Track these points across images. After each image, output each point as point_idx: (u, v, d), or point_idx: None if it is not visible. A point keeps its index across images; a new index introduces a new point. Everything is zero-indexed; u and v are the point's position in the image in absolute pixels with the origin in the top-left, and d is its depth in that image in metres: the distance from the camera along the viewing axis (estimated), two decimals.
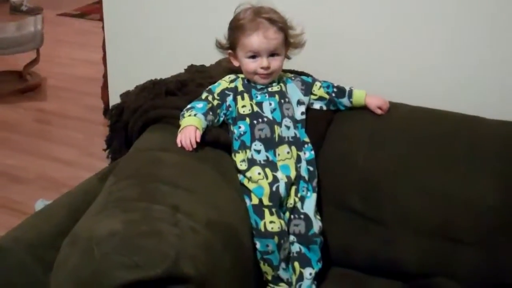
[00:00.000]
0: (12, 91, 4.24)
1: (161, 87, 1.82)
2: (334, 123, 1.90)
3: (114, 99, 2.06)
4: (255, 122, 1.74)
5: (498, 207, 1.68)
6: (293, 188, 1.71)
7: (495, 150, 1.74)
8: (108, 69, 2.72)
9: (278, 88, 1.81)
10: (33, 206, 2.75)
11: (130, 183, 1.46)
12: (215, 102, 1.76)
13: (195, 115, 1.68)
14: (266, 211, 1.64)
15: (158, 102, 1.78)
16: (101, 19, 2.86)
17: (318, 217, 1.73)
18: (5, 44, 4.19)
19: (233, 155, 1.75)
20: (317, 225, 1.70)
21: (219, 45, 1.85)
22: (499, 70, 1.99)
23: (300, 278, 1.68)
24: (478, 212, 1.69)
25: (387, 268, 1.77)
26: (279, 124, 1.75)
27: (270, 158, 1.71)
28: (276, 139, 1.73)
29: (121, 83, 2.04)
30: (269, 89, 1.80)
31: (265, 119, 1.74)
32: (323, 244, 1.72)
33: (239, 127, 1.75)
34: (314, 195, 1.74)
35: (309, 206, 1.72)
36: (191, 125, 1.65)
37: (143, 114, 1.77)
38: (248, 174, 1.69)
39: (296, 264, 1.68)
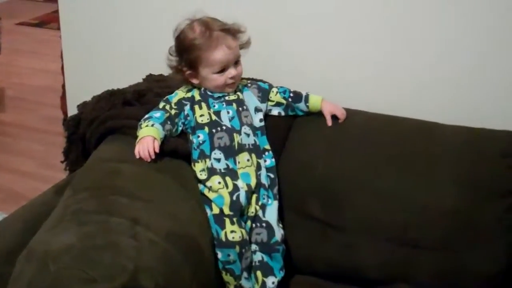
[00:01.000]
0: None
1: (118, 98, 1.81)
2: (293, 130, 1.90)
3: (72, 110, 2.04)
4: (213, 131, 1.73)
5: (455, 211, 1.70)
6: (254, 196, 1.71)
7: (451, 155, 1.76)
8: (66, 79, 2.68)
9: (235, 96, 1.80)
10: None
11: (87, 196, 1.44)
12: (173, 112, 1.74)
13: (152, 125, 1.66)
14: (227, 221, 1.63)
15: (115, 113, 1.77)
16: (59, 28, 2.82)
17: (280, 225, 1.73)
18: None
19: (192, 164, 1.73)
20: (279, 233, 1.70)
21: (177, 70, 1.78)
22: (455, 75, 2.02)
23: (263, 287, 1.68)
24: (435, 216, 1.71)
25: (349, 274, 1.77)
26: (238, 132, 1.73)
27: (231, 166, 1.70)
28: (236, 147, 1.72)
29: (80, 93, 2.01)
30: (226, 97, 1.78)
31: (224, 127, 1.73)
32: (285, 251, 1.72)
33: (198, 136, 1.73)
34: (276, 203, 1.74)
35: (271, 214, 1.72)
36: (149, 136, 1.63)
37: (100, 124, 1.75)
38: (208, 183, 1.68)
39: (259, 273, 1.68)
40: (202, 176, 1.70)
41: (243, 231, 1.64)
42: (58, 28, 2.64)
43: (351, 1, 2.05)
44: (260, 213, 1.70)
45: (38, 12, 6.33)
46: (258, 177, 1.72)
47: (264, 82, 1.95)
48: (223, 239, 1.61)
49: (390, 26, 2.03)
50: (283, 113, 1.91)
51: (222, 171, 1.70)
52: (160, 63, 2.00)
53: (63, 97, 3.28)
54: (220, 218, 1.64)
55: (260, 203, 1.71)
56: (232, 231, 1.62)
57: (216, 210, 1.65)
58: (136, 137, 1.66)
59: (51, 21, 5.90)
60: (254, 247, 1.69)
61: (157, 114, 1.71)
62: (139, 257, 1.25)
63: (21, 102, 4.25)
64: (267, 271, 1.68)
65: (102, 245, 1.24)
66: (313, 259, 1.79)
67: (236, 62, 1.76)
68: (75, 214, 1.36)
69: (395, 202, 1.74)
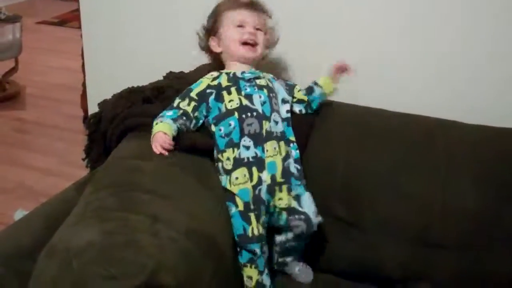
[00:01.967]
0: None
1: (138, 95, 1.81)
2: (315, 129, 1.90)
3: (93, 107, 2.04)
4: (243, 116, 1.70)
5: (476, 211, 1.69)
6: (284, 187, 1.69)
7: (471, 154, 1.76)
8: (87, 77, 2.69)
9: (265, 82, 1.79)
10: (12, 216, 2.72)
11: (108, 193, 1.44)
12: (191, 105, 1.72)
13: (161, 122, 1.67)
14: (252, 216, 1.63)
15: (135, 110, 1.77)
16: (80, 27, 2.84)
17: (319, 216, 1.72)
18: None
19: (219, 155, 1.71)
20: (316, 223, 1.70)
21: (203, 30, 1.89)
22: (472, 73, 2.00)
23: (283, 263, 1.77)
24: (456, 216, 1.70)
25: (369, 274, 1.77)
26: (268, 119, 1.71)
27: (259, 154, 1.67)
28: (264, 134, 1.69)
29: (100, 91, 2.02)
30: (257, 81, 1.77)
31: (255, 113, 1.70)
32: (306, 250, 1.76)
33: (229, 124, 1.70)
34: (308, 194, 1.72)
35: (307, 204, 1.70)
36: (159, 132, 1.63)
37: (120, 122, 1.75)
38: (234, 174, 1.66)
39: (280, 252, 1.75)
40: (227, 166, 1.68)
41: (261, 227, 1.64)
42: (79, 27, 2.66)
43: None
44: (295, 204, 1.69)
45: (59, 11, 6.39)
46: (286, 166, 1.70)
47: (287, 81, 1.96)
48: (250, 234, 1.61)
49: (410, 23, 2.01)
50: (303, 111, 1.91)
51: (250, 160, 1.67)
52: (180, 61, 2.02)
53: (84, 95, 3.31)
54: (245, 214, 1.63)
55: (293, 193, 1.70)
56: (257, 227, 1.63)
57: (241, 206, 1.64)
58: None
59: (71, 19, 5.96)
60: (290, 235, 1.70)
61: (169, 112, 1.71)
62: (159, 254, 1.25)
63: (41, 100, 4.29)
64: (289, 252, 1.75)
65: (123, 242, 1.24)
66: (335, 258, 1.79)
67: (258, 29, 1.82)
68: (96, 211, 1.36)
69: (416, 202, 1.73)
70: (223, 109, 1.72)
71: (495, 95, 1.99)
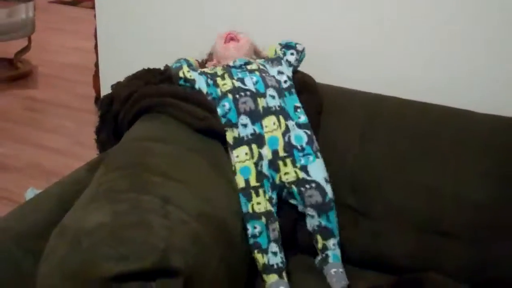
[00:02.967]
0: (3, 79, 4.22)
1: (154, 75, 1.81)
2: (323, 117, 1.89)
3: (106, 88, 2.05)
4: (237, 96, 1.76)
5: (486, 202, 1.68)
6: (288, 160, 1.70)
7: (482, 145, 1.75)
8: (100, 57, 2.69)
9: (256, 66, 1.85)
10: (23, 195, 2.74)
11: (120, 174, 1.44)
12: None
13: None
14: (253, 193, 1.65)
15: (149, 90, 1.77)
16: (93, 7, 2.84)
17: (329, 181, 1.72)
18: None
19: (226, 136, 1.77)
20: (330, 189, 1.70)
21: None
22: (488, 64, 1.99)
23: (324, 249, 1.69)
24: (466, 206, 1.70)
25: (377, 261, 1.77)
26: (263, 95, 1.76)
27: (257, 131, 1.71)
28: (261, 111, 1.74)
29: (113, 72, 2.02)
30: (248, 66, 1.85)
31: (248, 92, 1.76)
32: None
33: (224, 106, 1.77)
34: (319, 160, 1.73)
35: (317, 172, 1.71)
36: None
37: (134, 103, 1.75)
38: (234, 152, 1.71)
39: (319, 237, 1.70)
40: (230, 141, 1.74)
41: (267, 203, 1.65)
42: (92, 7, 2.67)
43: None
44: (303, 175, 1.70)
45: None
46: (286, 139, 1.72)
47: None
48: (251, 211, 1.63)
49: (420, 13, 2.01)
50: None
51: (249, 137, 1.71)
52: (194, 43, 2.01)
53: (96, 76, 3.32)
54: (247, 192, 1.66)
55: (298, 165, 1.71)
56: (258, 203, 1.64)
57: (241, 184, 1.67)
58: (171, 115, 1.72)
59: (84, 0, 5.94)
60: (310, 211, 1.69)
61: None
62: (170, 236, 1.25)
63: (53, 79, 4.30)
64: (327, 234, 1.69)
65: (134, 223, 1.24)
66: (344, 246, 1.78)
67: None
68: (108, 192, 1.36)
69: (426, 192, 1.73)
70: (219, 93, 1.79)
71: (507, 85, 1.97)
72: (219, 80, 1.81)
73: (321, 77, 1.95)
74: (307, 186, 1.69)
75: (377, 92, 1.93)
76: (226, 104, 1.76)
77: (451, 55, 2.02)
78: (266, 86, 1.78)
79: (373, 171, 1.78)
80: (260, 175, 1.67)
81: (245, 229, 1.64)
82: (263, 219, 1.63)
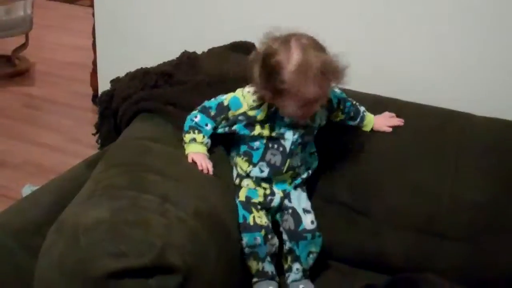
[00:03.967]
0: (0, 76, 4.21)
1: (151, 77, 1.81)
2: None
3: (104, 86, 2.05)
4: (270, 145, 1.65)
5: (483, 203, 1.69)
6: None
7: (482, 147, 1.75)
8: (98, 55, 2.69)
9: (304, 122, 1.65)
10: (20, 191, 2.74)
11: (119, 171, 1.45)
12: (222, 123, 1.65)
13: (206, 143, 1.64)
14: (253, 208, 1.65)
15: (146, 94, 1.77)
16: (91, 5, 2.84)
17: (310, 213, 1.71)
18: None
19: (237, 156, 1.71)
20: (307, 220, 1.68)
21: (260, 85, 1.55)
22: (489, 66, 1.99)
23: (289, 270, 1.70)
24: (462, 207, 1.70)
25: (374, 261, 1.78)
26: (293, 155, 1.67)
27: (269, 178, 1.70)
28: (285, 170, 1.68)
29: (111, 70, 2.02)
30: (295, 122, 1.64)
31: (281, 149, 1.65)
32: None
33: (253, 144, 1.66)
34: (299, 191, 1.74)
35: (296, 200, 1.72)
36: (199, 154, 1.62)
37: (133, 105, 1.76)
38: (245, 181, 1.70)
39: (288, 257, 1.70)
40: (241, 171, 1.70)
41: (267, 220, 1.66)
42: (90, 5, 2.67)
43: None
44: (286, 201, 1.71)
45: None
46: (292, 182, 1.73)
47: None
48: (251, 223, 1.62)
49: (421, 14, 2.01)
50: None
51: (260, 179, 1.69)
52: (193, 40, 2.01)
53: (94, 73, 3.32)
54: (247, 206, 1.66)
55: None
56: (259, 216, 1.64)
57: (242, 197, 1.67)
58: (168, 118, 1.70)
59: None
60: (284, 236, 1.70)
61: (208, 126, 1.64)
62: (167, 234, 1.26)
63: (50, 76, 4.29)
64: (294, 258, 1.69)
65: (132, 220, 1.25)
66: (340, 245, 1.79)
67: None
68: (107, 189, 1.37)
69: (423, 192, 1.73)
70: (250, 134, 1.65)
71: (507, 87, 1.98)
72: (257, 126, 1.63)
73: None
74: (285, 211, 1.71)
75: (375, 93, 1.93)
76: (257, 143, 1.65)
77: (449, 56, 2.03)
78: (302, 147, 1.68)
79: (371, 171, 1.78)
80: (265, 204, 1.68)
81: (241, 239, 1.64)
82: (263, 232, 1.63)
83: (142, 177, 1.43)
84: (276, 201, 1.69)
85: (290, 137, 1.63)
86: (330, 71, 1.50)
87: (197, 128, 1.63)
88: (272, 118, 1.62)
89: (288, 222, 1.68)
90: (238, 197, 1.68)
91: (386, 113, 1.83)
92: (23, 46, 4.33)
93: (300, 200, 1.72)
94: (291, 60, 1.48)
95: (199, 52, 2.01)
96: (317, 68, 1.47)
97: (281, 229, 1.70)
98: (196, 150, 1.62)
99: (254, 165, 1.67)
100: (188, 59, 1.95)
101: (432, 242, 1.72)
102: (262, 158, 1.66)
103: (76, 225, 1.23)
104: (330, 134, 1.82)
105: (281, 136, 1.63)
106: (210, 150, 1.67)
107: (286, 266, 1.70)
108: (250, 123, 1.63)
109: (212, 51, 2.03)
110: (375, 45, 2.10)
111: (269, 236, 1.64)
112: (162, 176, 1.46)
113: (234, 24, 2.03)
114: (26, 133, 3.50)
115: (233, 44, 2.07)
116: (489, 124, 1.81)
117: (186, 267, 1.25)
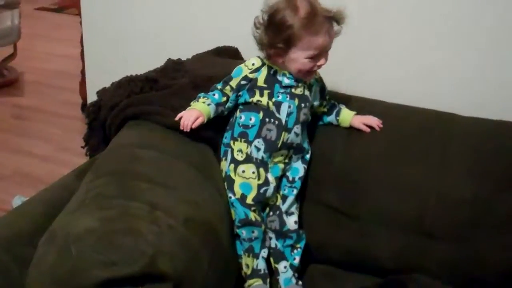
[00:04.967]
0: None
1: (136, 84, 1.81)
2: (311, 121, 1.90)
3: (92, 95, 2.05)
4: (266, 119, 1.69)
5: (470, 202, 1.70)
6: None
7: (467, 146, 1.76)
8: (86, 64, 2.69)
9: (301, 91, 1.71)
10: (10, 202, 2.73)
11: (108, 180, 1.45)
12: (230, 94, 1.71)
13: (208, 104, 1.69)
14: (252, 208, 1.67)
15: (134, 100, 1.77)
16: (78, 14, 2.84)
17: (293, 215, 1.75)
18: None
19: (231, 142, 1.73)
20: (290, 221, 1.73)
21: (269, 45, 1.64)
22: (476, 68, 2.01)
23: (276, 272, 1.71)
24: (451, 206, 1.71)
25: (363, 263, 1.79)
26: (289, 130, 1.70)
27: (265, 159, 1.70)
28: (279, 145, 1.69)
29: (100, 79, 2.02)
30: (293, 90, 1.70)
31: (277, 122, 1.68)
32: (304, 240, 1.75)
33: (250, 119, 1.70)
34: (295, 192, 1.76)
35: (287, 203, 1.75)
36: (197, 111, 1.67)
37: (120, 112, 1.76)
38: (241, 167, 1.69)
39: (272, 260, 1.71)
40: (238, 156, 1.71)
41: (258, 216, 1.68)
42: (77, 14, 2.67)
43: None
44: (280, 203, 1.74)
45: None
46: (285, 169, 1.74)
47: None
48: (253, 218, 1.65)
49: (411, 19, 2.03)
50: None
51: (258, 161, 1.70)
52: (179, 47, 2.02)
53: (82, 83, 3.31)
54: (244, 202, 1.67)
55: (281, 193, 1.75)
56: (257, 215, 1.67)
57: (238, 195, 1.67)
58: (156, 122, 1.70)
59: (70, 6, 5.93)
60: (269, 233, 1.72)
61: (215, 95, 1.71)
62: (158, 242, 1.26)
63: (39, 86, 4.29)
64: (278, 256, 1.71)
65: (123, 229, 1.25)
66: (328, 247, 1.80)
67: (326, 51, 1.66)
68: (96, 198, 1.37)
69: (411, 192, 1.74)
70: (250, 101, 1.70)
71: (494, 89, 2.00)
72: (257, 92, 1.68)
73: None
74: (273, 212, 1.72)
75: (362, 96, 1.95)
76: (253, 118, 1.70)
77: (439, 59, 2.04)
78: (297, 122, 1.70)
79: (358, 172, 1.79)
80: (258, 197, 1.68)
81: (236, 234, 1.67)
82: (262, 227, 1.67)
83: (131, 185, 1.43)
84: (270, 191, 1.69)
85: (285, 108, 1.68)
86: (335, 17, 1.61)
87: (205, 96, 1.71)
88: (271, 83, 1.69)
89: (274, 223, 1.71)
90: (234, 194, 1.68)
91: (370, 116, 1.85)
92: (12, 56, 4.33)
93: (286, 201, 1.74)
94: (300, 9, 1.58)
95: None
96: (323, 12, 1.59)
97: (267, 229, 1.72)
98: (194, 106, 1.68)
99: (250, 143, 1.69)
100: (173, 64, 1.96)
101: (420, 241, 1.73)
102: (258, 135, 1.69)
103: (66, 235, 1.23)
104: (317, 135, 1.84)
105: (278, 107, 1.68)
106: (201, 151, 1.71)
107: (274, 268, 1.72)
108: (251, 88, 1.69)
109: (196, 56, 2.05)
110: (363, 46, 2.11)
111: (264, 230, 1.68)
112: (151, 183, 1.46)
113: (220, 32, 2.03)
114: (15, 143, 3.49)
115: (217, 49, 2.11)
116: (474, 124, 1.82)
117: (177, 275, 1.26)
